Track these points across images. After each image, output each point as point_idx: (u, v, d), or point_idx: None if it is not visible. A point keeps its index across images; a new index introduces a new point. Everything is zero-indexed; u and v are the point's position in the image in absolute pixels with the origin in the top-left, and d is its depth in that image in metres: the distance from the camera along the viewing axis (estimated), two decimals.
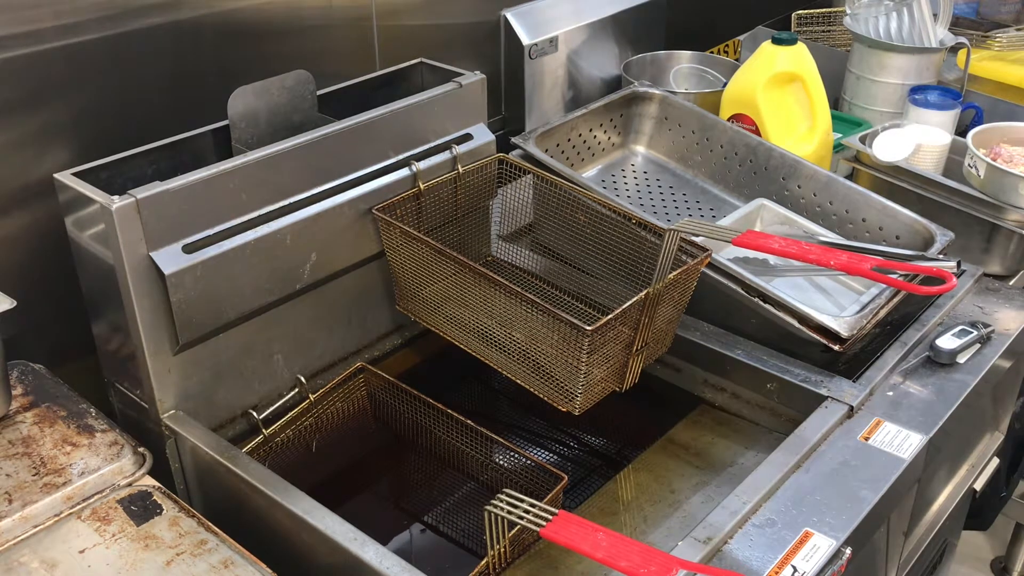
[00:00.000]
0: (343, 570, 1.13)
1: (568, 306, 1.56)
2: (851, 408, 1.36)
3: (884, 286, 1.47)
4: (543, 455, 1.51)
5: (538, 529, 1.04)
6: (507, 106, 2.00)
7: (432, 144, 1.51)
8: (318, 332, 1.46)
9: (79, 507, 1.13)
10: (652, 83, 2.00)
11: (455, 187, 1.54)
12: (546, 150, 1.73)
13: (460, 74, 1.54)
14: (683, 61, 2.25)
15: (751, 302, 1.46)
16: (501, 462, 1.42)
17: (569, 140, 1.83)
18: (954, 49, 2.22)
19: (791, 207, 1.73)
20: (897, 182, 1.82)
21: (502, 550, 1.16)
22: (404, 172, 1.47)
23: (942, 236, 1.57)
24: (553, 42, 1.98)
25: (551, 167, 1.63)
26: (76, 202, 1.21)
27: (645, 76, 2.18)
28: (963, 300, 1.60)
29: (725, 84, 2.02)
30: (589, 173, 1.89)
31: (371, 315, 1.54)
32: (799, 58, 1.89)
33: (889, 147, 1.85)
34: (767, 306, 1.45)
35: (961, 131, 2.01)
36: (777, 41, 1.88)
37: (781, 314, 1.44)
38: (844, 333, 1.39)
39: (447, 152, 1.52)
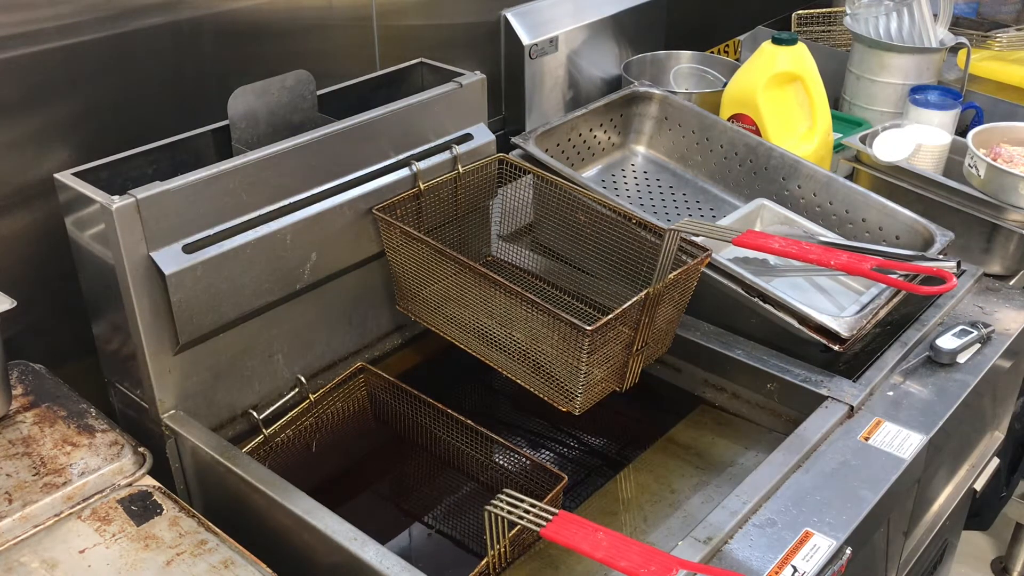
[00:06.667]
0: (343, 570, 1.13)
1: (568, 306, 1.56)
2: (851, 408, 1.36)
3: (884, 286, 1.47)
4: (543, 455, 1.51)
5: (538, 529, 1.04)
6: (507, 106, 2.00)
7: (432, 144, 1.51)
8: (318, 332, 1.46)
9: (79, 507, 1.13)
10: (652, 83, 2.00)
11: (455, 187, 1.54)
12: (546, 150, 1.73)
13: (460, 74, 1.54)
14: (683, 61, 2.25)
15: (751, 302, 1.46)
16: (501, 462, 1.42)
17: (569, 140, 1.83)
18: (954, 49, 2.22)
19: (791, 207, 1.73)
20: (897, 182, 1.82)
21: (502, 550, 1.16)
22: (404, 172, 1.47)
23: (942, 236, 1.57)
24: (553, 42, 1.98)
25: (551, 167, 1.63)
26: (76, 202, 1.21)
27: (645, 76, 2.18)
28: (963, 300, 1.60)
29: (725, 84, 2.02)
30: (589, 173, 1.89)
31: (371, 315, 1.54)
32: (799, 58, 1.89)
33: (889, 147, 1.85)
34: (767, 306, 1.45)
35: (961, 131, 2.01)
36: (777, 41, 1.88)
37: (781, 314, 1.44)
38: (844, 333, 1.39)
39: (447, 152, 1.52)
